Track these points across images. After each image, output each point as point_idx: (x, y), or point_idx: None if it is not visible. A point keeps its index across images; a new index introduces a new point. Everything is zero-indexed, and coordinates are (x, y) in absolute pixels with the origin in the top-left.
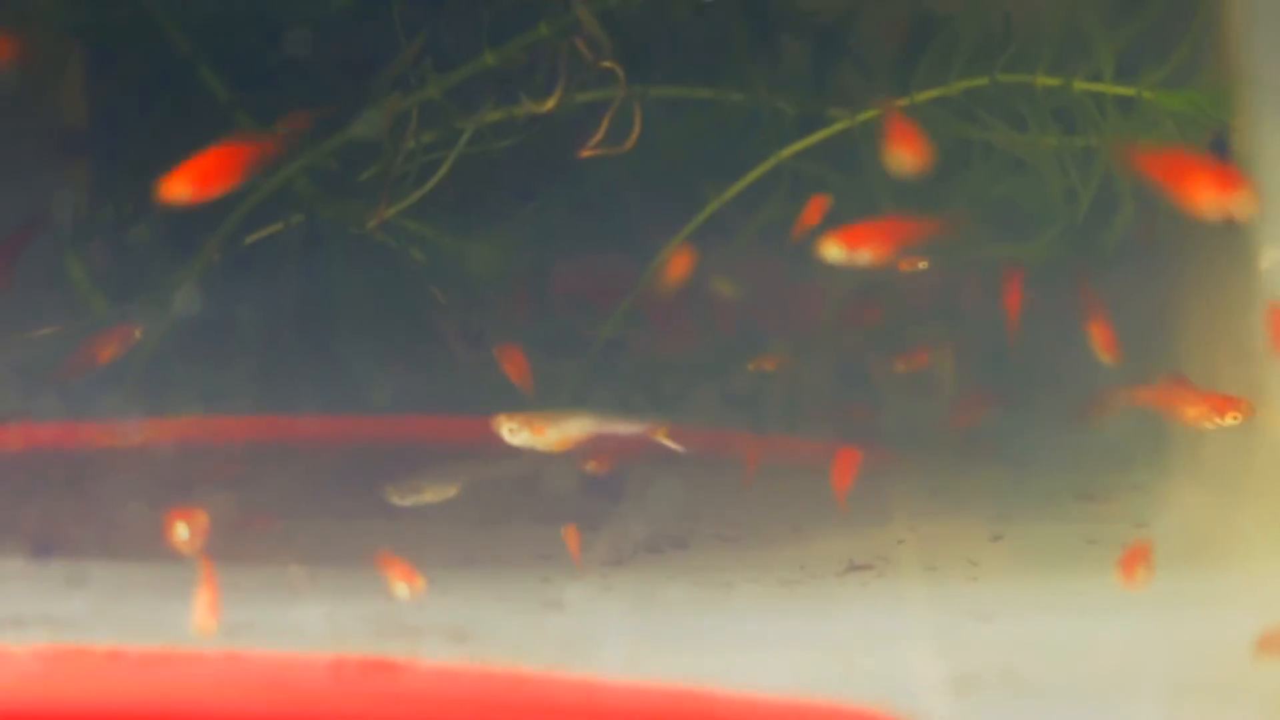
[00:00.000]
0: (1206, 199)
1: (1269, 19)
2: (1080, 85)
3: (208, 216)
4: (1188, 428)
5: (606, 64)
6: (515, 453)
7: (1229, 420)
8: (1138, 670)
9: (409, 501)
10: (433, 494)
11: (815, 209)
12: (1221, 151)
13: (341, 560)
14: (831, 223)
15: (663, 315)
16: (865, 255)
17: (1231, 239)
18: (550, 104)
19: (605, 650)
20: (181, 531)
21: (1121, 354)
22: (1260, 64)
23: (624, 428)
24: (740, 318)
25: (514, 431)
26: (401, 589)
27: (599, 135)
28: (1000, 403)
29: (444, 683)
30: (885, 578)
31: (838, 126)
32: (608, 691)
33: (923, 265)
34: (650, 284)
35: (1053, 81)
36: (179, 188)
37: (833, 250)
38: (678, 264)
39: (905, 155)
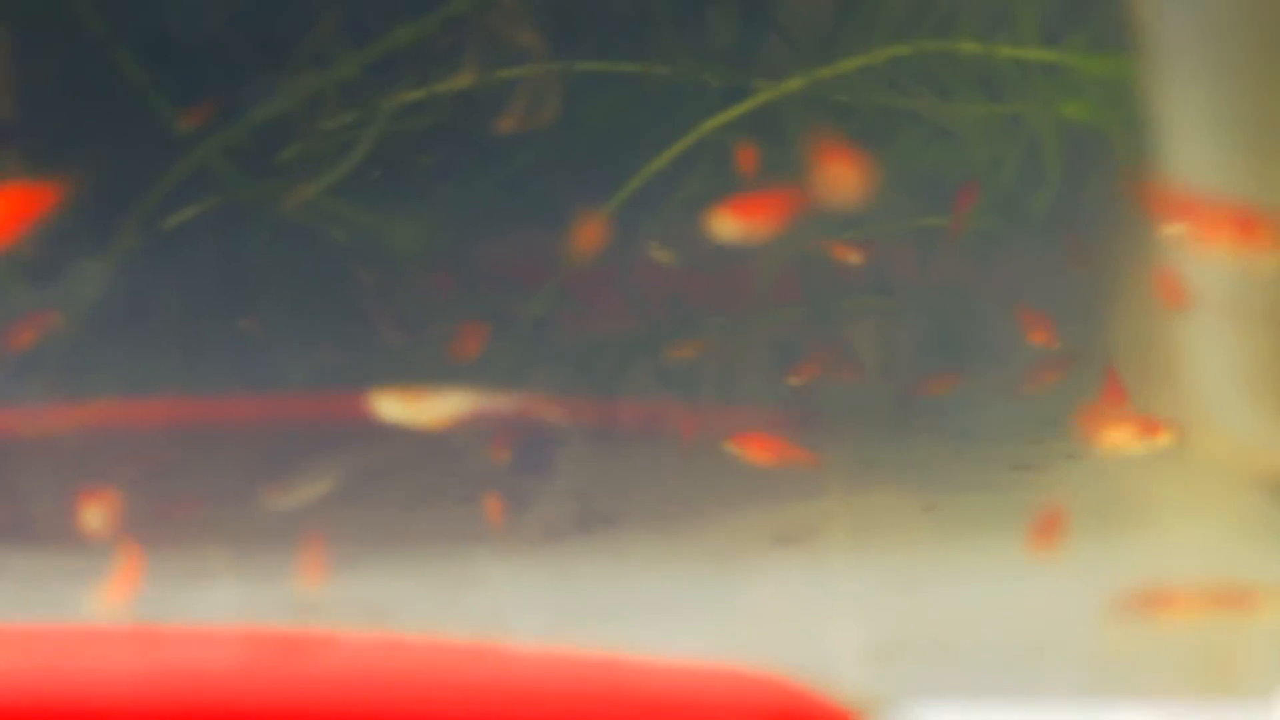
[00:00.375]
0: (1229, 245)
1: None
2: (1003, 52)
3: (124, 199)
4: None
5: (525, 39)
6: (394, 435)
7: (1161, 442)
8: (1055, 635)
9: (286, 503)
10: (306, 490)
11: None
12: None
13: (262, 543)
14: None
15: (593, 292)
16: (760, 227)
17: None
18: (466, 79)
19: (523, 625)
20: (93, 515)
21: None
22: (1159, 27)
23: (504, 403)
24: (673, 293)
25: (391, 407)
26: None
27: (517, 109)
28: (950, 379)
29: (359, 654)
30: (813, 550)
31: (761, 97)
32: (518, 658)
33: (855, 258)
34: (574, 260)
35: (975, 48)
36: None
37: (726, 224)
38: (589, 234)
39: (841, 176)
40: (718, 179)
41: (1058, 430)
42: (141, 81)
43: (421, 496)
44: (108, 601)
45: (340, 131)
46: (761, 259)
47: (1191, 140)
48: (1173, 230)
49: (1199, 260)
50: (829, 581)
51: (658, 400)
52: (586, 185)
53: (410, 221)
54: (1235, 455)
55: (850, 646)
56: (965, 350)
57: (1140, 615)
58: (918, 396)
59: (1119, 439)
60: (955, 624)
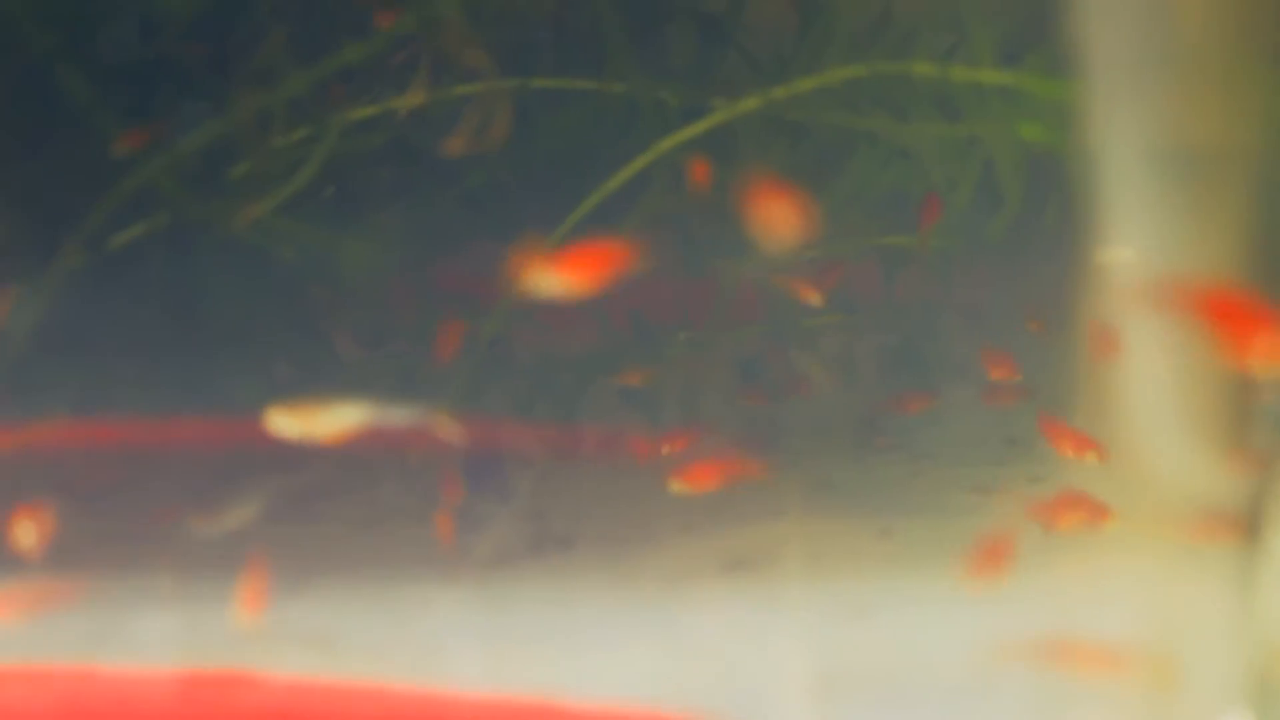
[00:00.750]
0: (1261, 350)
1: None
2: (958, 74)
3: (69, 217)
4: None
5: (473, 59)
6: (343, 455)
7: (1087, 458)
8: (999, 667)
9: (214, 530)
10: (233, 517)
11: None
12: None
13: (207, 565)
14: None
15: (550, 311)
16: (583, 283)
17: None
18: (415, 98)
19: (467, 654)
20: (25, 532)
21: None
22: (1091, 50)
23: (400, 417)
24: (632, 310)
25: (285, 422)
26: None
27: (466, 130)
28: (915, 399)
29: (296, 696)
30: (765, 575)
31: (717, 117)
32: (456, 703)
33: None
34: (521, 281)
35: (930, 70)
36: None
37: (547, 279)
38: (529, 260)
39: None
40: (674, 197)
41: (1020, 451)
42: (86, 98)
43: (371, 519)
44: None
45: (289, 149)
46: (723, 277)
47: (1128, 169)
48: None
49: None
50: (779, 609)
51: (614, 420)
52: (542, 202)
53: (362, 240)
54: (1168, 486)
55: (798, 676)
56: (926, 370)
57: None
58: (879, 416)
59: (1069, 520)
60: (904, 653)
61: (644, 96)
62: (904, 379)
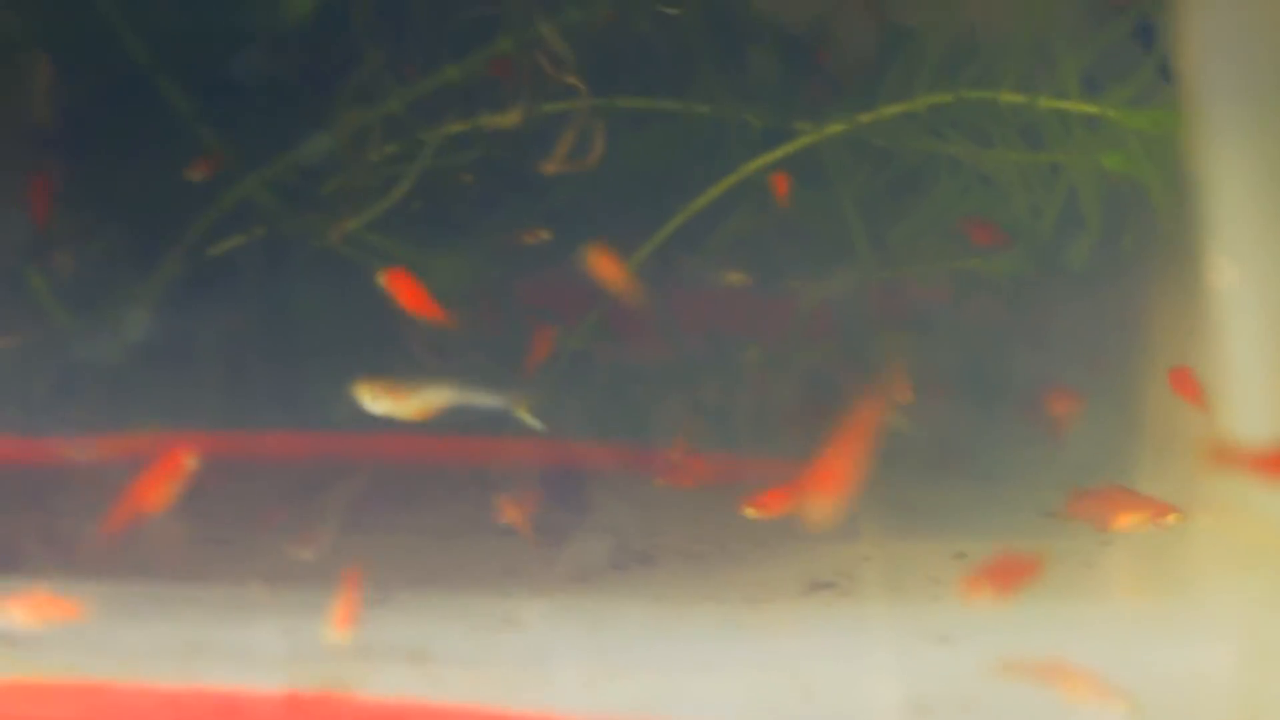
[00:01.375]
0: None
1: (1221, 40)
2: (1045, 103)
3: (169, 229)
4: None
5: (569, 79)
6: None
7: (1170, 522)
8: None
9: (309, 553)
10: (326, 538)
11: None
12: (1146, 39)
13: (301, 577)
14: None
15: (632, 327)
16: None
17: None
18: (512, 119)
19: (563, 671)
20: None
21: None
22: (1211, 87)
23: (485, 399)
24: (710, 328)
25: (375, 399)
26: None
27: (561, 151)
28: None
29: (397, 716)
30: (849, 596)
31: (804, 140)
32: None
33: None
34: (615, 296)
35: (1017, 99)
36: None
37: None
38: (606, 266)
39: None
40: (758, 217)
41: (1089, 476)
42: (189, 114)
43: (457, 530)
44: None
45: (384, 165)
46: (801, 296)
47: (1236, 201)
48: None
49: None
50: (863, 632)
51: (688, 435)
52: (627, 221)
53: (451, 256)
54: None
55: (887, 706)
56: (996, 391)
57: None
58: (954, 439)
59: (1129, 522)
60: (981, 679)
61: (729, 118)
62: (973, 400)
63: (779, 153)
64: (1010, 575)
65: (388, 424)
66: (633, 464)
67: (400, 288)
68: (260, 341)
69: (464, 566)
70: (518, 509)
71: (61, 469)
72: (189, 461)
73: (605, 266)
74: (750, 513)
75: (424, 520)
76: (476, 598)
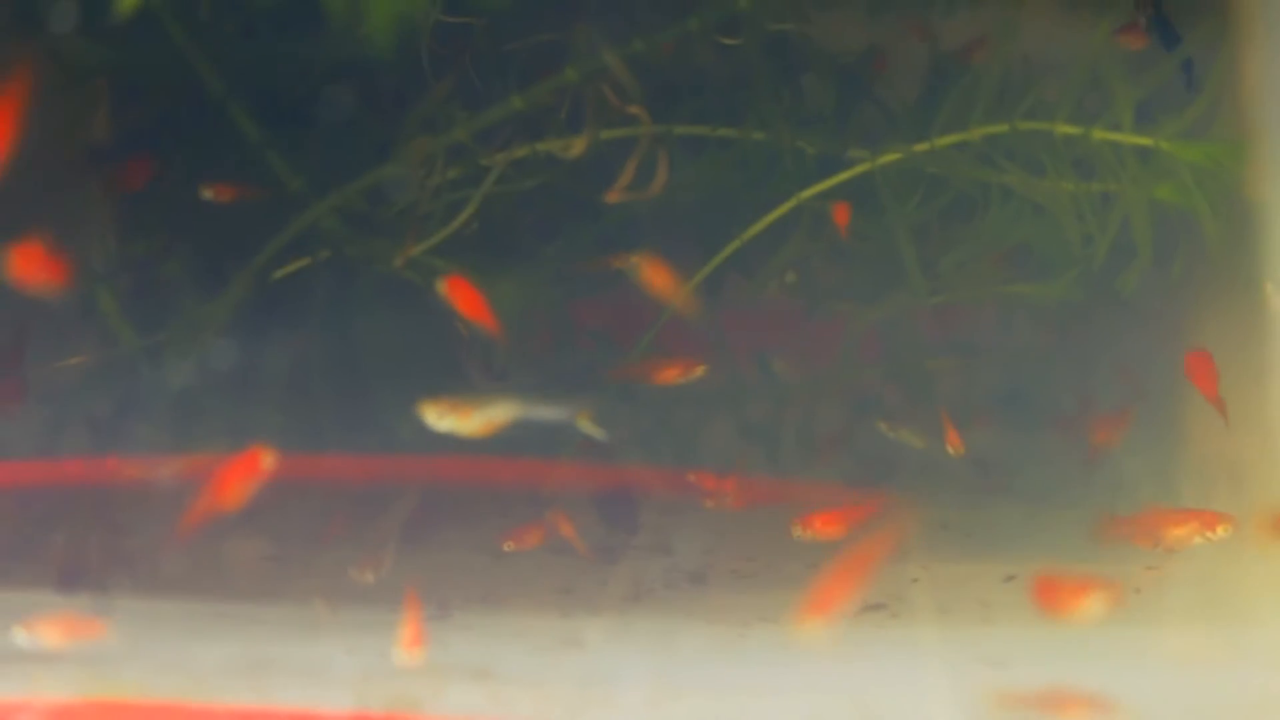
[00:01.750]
0: None
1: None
2: (1099, 134)
3: (237, 252)
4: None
5: (633, 110)
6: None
7: (1220, 534)
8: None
9: (373, 578)
10: (388, 561)
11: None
12: (1188, 76)
13: (364, 596)
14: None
15: (683, 350)
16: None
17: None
18: (577, 149)
19: (625, 692)
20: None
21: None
22: (1273, 118)
23: (548, 412)
24: (758, 353)
25: (440, 416)
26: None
27: (625, 180)
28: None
29: None
30: (899, 618)
31: (860, 168)
32: None
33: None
34: (668, 318)
35: (1072, 130)
36: None
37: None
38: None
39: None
40: (811, 243)
41: (1135, 499)
42: (258, 140)
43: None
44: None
45: (447, 190)
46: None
47: None
48: None
49: None
50: (919, 656)
51: (735, 456)
52: (682, 247)
53: (510, 280)
54: None
55: None
56: (1043, 415)
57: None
58: (1001, 461)
59: (1181, 535)
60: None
61: (784, 145)
62: (1017, 422)
63: (833, 180)
64: (1062, 596)
65: (446, 444)
66: (682, 487)
67: (459, 295)
68: (325, 364)
69: (521, 585)
70: (569, 525)
71: (128, 489)
72: (267, 459)
73: (659, 278)
74: (799, 533)
75: (480, 538)
76: (535, 617)
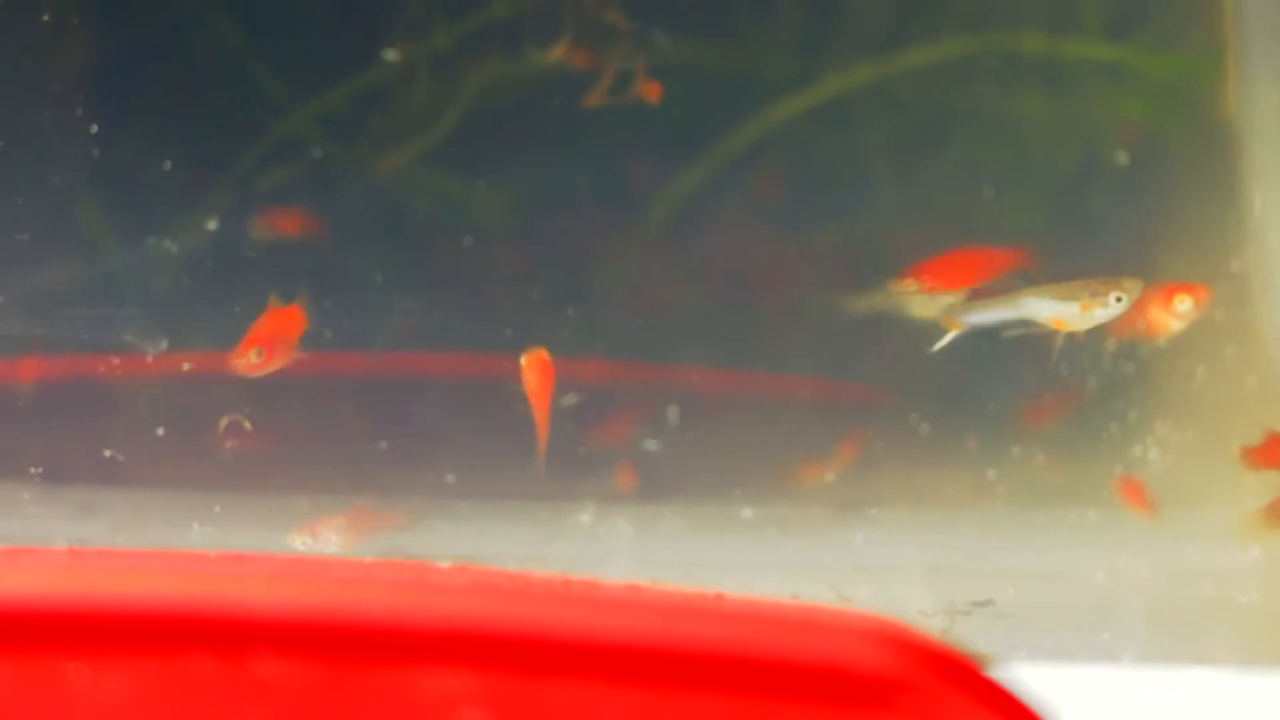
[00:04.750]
0: None
1: None
2: (1068, 49)
3: (220, 159)
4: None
5: (611, 17)
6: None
7: (1183, 307)
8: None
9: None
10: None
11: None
12: None
13: (346, 492)
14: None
15: (657, 270)
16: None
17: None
18: (555, 54)
19: (610, 575)
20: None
21: None
22: (1251, 30)
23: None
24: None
25: None
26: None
27: (603, 85)
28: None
29: (448, 585)
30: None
31: (828, 88)
32: (625, 593)
33: None
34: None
35: (1039, 43)
36: None
37: None
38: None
39: None
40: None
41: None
42: (241, 48)
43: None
44: None
45: (431, 102)
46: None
47: (1274, 139)
48: None
49: None
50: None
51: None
52: (656, 167)
53: (493, 190)
54: None
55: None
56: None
57: None
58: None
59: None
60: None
61: (759, 62)
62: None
63: (805, 101)
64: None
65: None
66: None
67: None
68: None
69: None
70: None
71: (115, 384)
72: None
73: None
74: None
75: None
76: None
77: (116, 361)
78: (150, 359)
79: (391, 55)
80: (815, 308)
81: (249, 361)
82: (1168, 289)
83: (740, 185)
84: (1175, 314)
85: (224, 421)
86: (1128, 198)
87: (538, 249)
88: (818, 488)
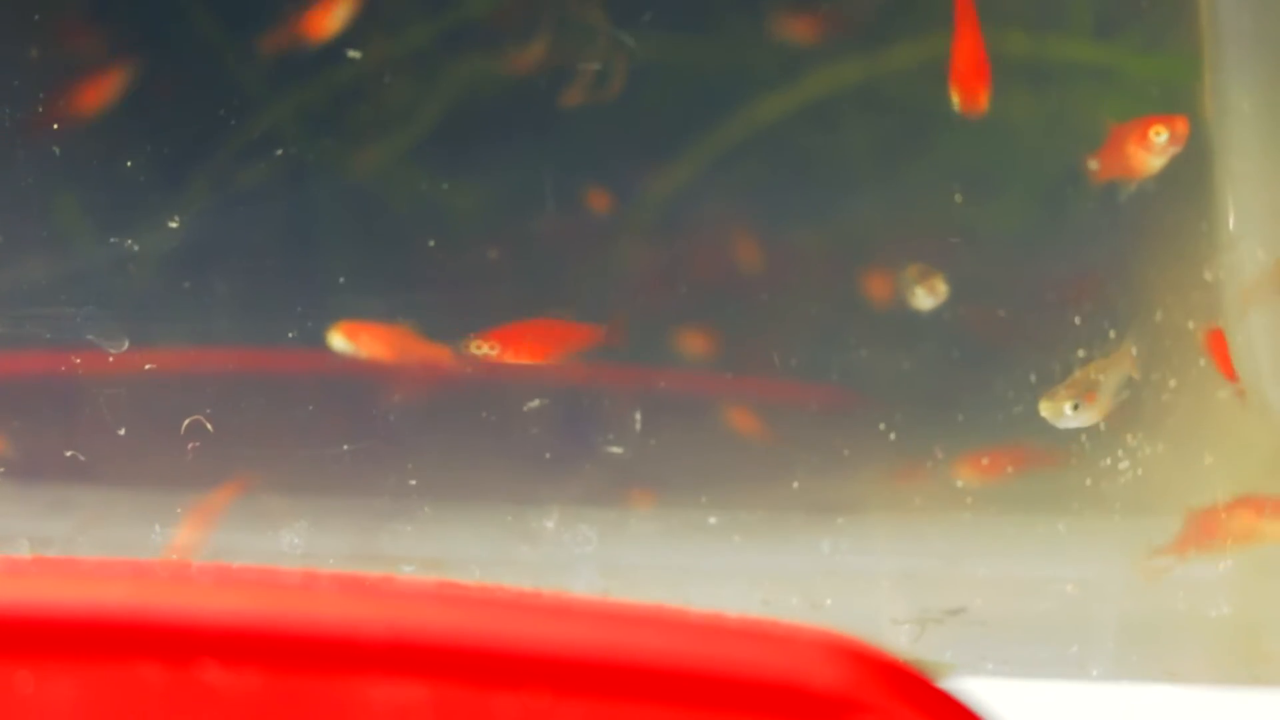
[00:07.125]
0: None
1: None
2: (1054, 47)
3: (196, 152)
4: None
5: (591, 15)
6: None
7: (1160, 139)
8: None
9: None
10: None
11: None
12: None
13: (319, 490)
14: None
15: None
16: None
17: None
18: (535, 53)
19: (576, 580)
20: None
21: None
22: (1226, 37)
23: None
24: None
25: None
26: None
27: (582, 83)
28: None
29: (411, 600)
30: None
31: (816, 81)
32: (579, 605)
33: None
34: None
35: (1024, 42)
36: None
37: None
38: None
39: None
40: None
41: None
42: (218, 40)
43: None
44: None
45: (409, 98)
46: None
47: (1249, 146)
48: None
49: None
50: (869, 551)
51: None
52: (640, 163)
53: (469, 190)
54: None
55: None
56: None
57: None
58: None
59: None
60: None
61: (746, 53)
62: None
63: (792, 99)
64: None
65: None
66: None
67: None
68: (280, 263)
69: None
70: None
71: (89, 380)
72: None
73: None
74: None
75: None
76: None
77: (78, 360)
78: (111, 359)
79: (354, 54)
80: (790, 310)
81: (476, 351)
82: (1142, 123)
83: (721, 186)
84: (1153, 149)
85: (185, 422)
86: (1103, 204)
87: (513, 248)
88: (788, 493)
